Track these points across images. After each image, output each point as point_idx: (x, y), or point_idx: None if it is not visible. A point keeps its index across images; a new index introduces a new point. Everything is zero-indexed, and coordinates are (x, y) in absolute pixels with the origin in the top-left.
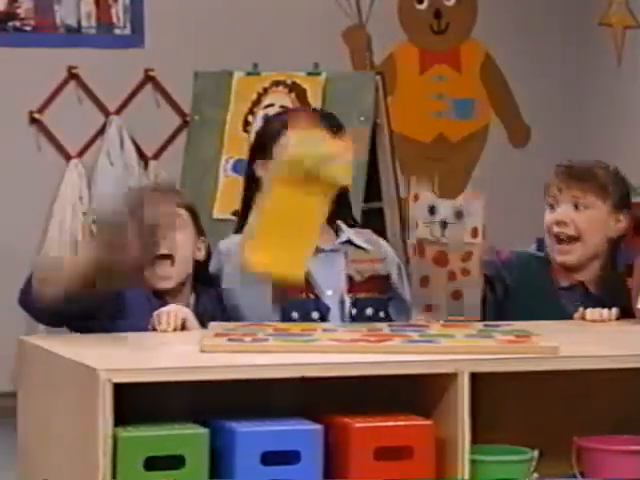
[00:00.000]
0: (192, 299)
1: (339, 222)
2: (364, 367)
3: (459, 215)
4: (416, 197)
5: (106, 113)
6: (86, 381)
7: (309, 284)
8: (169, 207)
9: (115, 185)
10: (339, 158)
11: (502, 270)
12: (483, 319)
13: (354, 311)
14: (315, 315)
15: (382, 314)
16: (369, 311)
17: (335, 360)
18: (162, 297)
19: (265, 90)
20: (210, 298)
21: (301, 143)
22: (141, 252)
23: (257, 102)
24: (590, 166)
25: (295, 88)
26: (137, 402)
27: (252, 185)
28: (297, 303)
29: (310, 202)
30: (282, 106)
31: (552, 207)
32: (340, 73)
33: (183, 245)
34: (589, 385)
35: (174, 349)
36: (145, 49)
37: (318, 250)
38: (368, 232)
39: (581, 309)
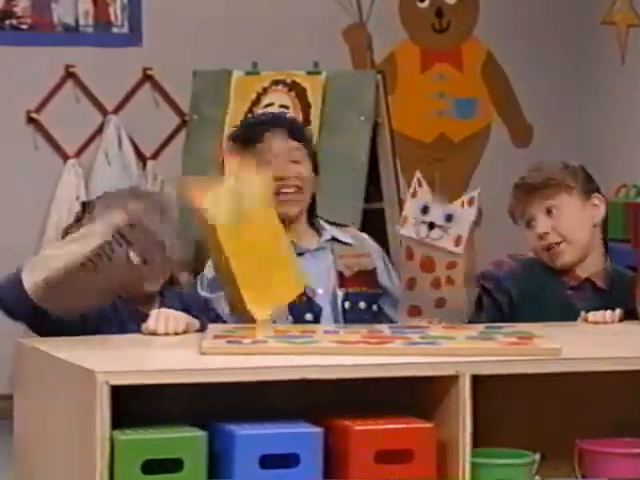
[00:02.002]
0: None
1: (320, 221)
2: (365, 369)
3: (449, 219)
4: (414, 194)
5: (104, 112)
6: (83, 383)
7: None
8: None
9: (113, 185)
10: (252, 182)
11: (505, 281)
12: None
13: (347, 305)
14: (309, 317)
15: (375, 307)
16: (362, 305)
17: (335, 362)
18: (132, 302)
19: (265, 89)
20: (173, 299)
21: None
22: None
23: (256, 101)
24: (537, 174)
25: (295, 87)
26: (135, 405)
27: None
28: (291, 307)
29: (260, 227)
30: (281, 105)
31: (529, 226)
32: (340, 72)
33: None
34: (591, 387)
35: (172, 351)
36: (143, 48)
37: (304, 250)
38: (351, 229)
39: (583, 313)
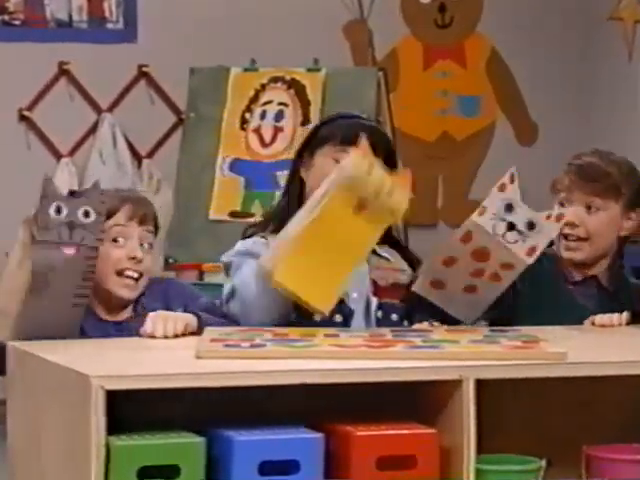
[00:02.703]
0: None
1: None
2: (366, 374)
3: (531, 227)
4: (503, 188)
5: (98, 110)
6: (78, 388)
7: None
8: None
9: (107, 185)
10: (397, 192)
11: None
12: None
13: (380, 314)
14: (338, 318)
15: (406, 323)
16: (394, 317)
17: (336, 366)
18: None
19: (263, 87)
20: (153, 302)
21: (361, 167)
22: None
23: (255, 99)
24: (602, 165)
25: (294, 84)
26: (131, 410)
27: (294, 184)
28: None
29: (359, 228)
30: (280, 103)
31: (562, 205)
32: (341, 69)
33: (151, 262)
34: (598, 392)
35: (169, 355)
36: (139, 44)
37: None
38: (386, 247)
39: (592, 317)
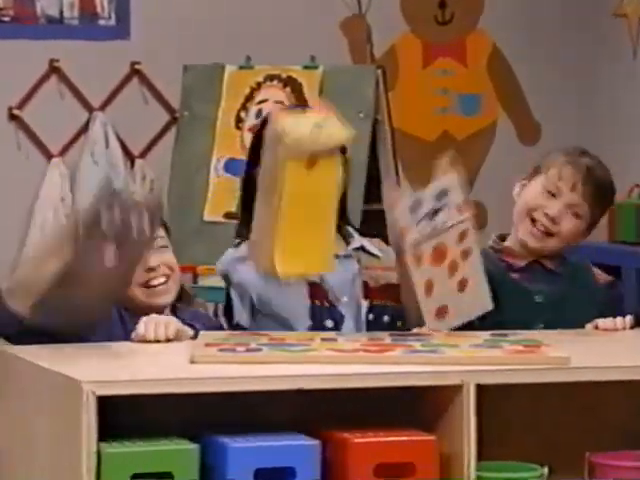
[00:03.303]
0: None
1: (349, 228)
2: (364, 379)
3: (441, 195)
4: (393, 205)
5: (90, 109)
6: (69, 394)
7: (323, 291)
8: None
9: (99, 185)
10: (332, 127)
11: None
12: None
13: (371, 317)
14: (329, 323)
15: (399, 323)
16: (386, 318)
17: (333, 371)
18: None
19: (258, 85)
20: (185, 313)
21: (296, 124)
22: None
23: (250, 97)
24: (608, 178)
25: (290, 83)
26: (123, 416)
27: (252, 186)
28: (311, 310)
29: (320, 180)
30: (277, 101)
31: (549, 192)
32: (338, 67)
33: (175, 263)
34: (602, 397)
35: (162, 360)
36: (131, 41)
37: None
38: (377, 241)
39: (595, 320)
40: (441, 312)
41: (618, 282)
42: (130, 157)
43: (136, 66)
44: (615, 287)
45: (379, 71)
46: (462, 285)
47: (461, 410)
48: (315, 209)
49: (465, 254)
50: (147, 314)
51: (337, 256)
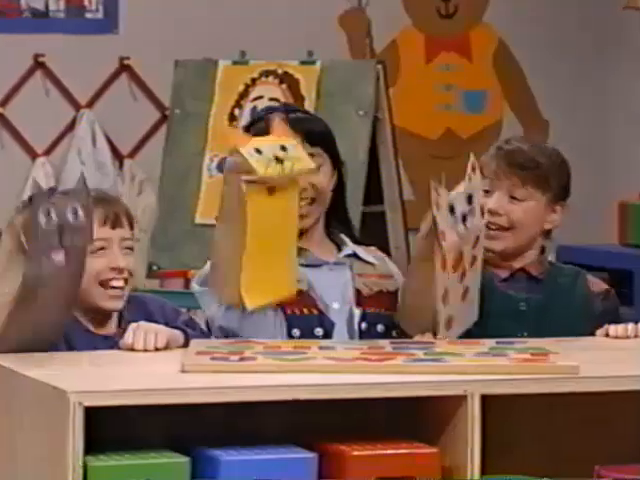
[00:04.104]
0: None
1: (342, 236)
2: (363, 389)
3: (470, 200)
4: (438, 204)
5: (76, 106)
6: (55, 404)
7: (312, 298)
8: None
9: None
10: (290, 148)
11: None
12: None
13: (364, 326)
14: (319, 332)
15: (395, 333)
16: (380, 327)
17: (330, 381)
18: (87, 322)
19: (253, 81)
20: (134, 314)
21: (257, 154)
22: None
23: (244, 94)
24: (533, 153)
25: (287, 79)
26: (110, 427)
27: None
28: (299, 319)
29: (281, 206)
30: (272, 98)
31: (486, 192)
32: (336, 62)
33: (134, 264)
34: (612, 408)
35: (151, 369)
36: (120, 35)
37: (321, 262)
38: (374, 249)
39: (605, 327)
40: (450, 322)
41: (613, 292)
42: (119, 157)
43: (125, 61)
44: (609, 297)
45: (379, 67)
46: (464, 294)
47: (465, 421)
48: (278, 236)
49: (473, 261)
50: (95, 317)
51: (326, 263)
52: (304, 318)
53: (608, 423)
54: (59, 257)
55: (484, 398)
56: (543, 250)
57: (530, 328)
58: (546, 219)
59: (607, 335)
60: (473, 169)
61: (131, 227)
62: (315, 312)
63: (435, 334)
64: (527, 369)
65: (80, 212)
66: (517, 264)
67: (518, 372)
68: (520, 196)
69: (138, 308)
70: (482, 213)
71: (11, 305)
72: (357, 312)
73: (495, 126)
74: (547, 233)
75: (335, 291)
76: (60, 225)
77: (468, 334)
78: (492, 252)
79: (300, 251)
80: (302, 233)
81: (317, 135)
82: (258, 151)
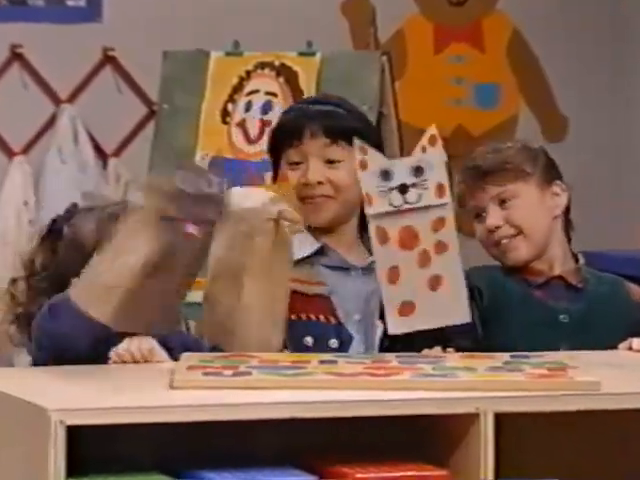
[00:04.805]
0: None
1: None
2: (366, 406)
3: (419, 172)
4: (363, 164)
5: (57, 101)
6: (35, 423)
7: (331, 305)
8: None
9: (67, 188)
10: (287, 210)
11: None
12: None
13: (386, 343)
14: (334, 343)
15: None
16: (400, 347)
17: (331, 398)
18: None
19: (248, 73)
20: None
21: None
22: None
23: (238, 88)
24: (493, 155)
25: (284, 71)
26: (95, 447)
27: None
28: (314, 326)
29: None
30: (268, 92)
31: (479, 216)
32: (338, 53)
33: None
34: (635, 427)
35: (139, 385)
36: (104, 24)
37: (350, 266)
38: None
39: (629, 340)
40: (406, 309)
41: None
42: (103, 155)
43: (109, 52)
44: None
45: (384, 58)
46: (435, 283)
47: (477, 441)
48: (274, 283)
49: (440, 247)
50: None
51: (354, 268)
52: (320, 326)
53: (632, 443)
54: (192, 229)
55: (497, 416)
56: (577, 259)
57: (572, 341)
58: (549, 205)
59: (630, 348)
60: (431, 142)
61: None
62: (333, 321)
63: None
64: (544, 386)
65: (215, 184)
66: (549, 270)
67: (534, 388)
68: (506, 198)
69: (178, 342)
70: (440, 192)
71: (135, 279)
72: (380, 326)
73: (509, 122)
74: (565, 223)
75: (359, 301)
76: (197, 195)
77: (491, 344)
78: (520, 263)
79: (325, 250)
80: (329, 231)
81: (338, 130)
82: None
